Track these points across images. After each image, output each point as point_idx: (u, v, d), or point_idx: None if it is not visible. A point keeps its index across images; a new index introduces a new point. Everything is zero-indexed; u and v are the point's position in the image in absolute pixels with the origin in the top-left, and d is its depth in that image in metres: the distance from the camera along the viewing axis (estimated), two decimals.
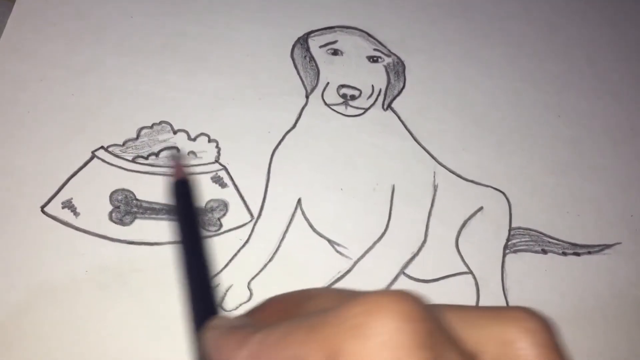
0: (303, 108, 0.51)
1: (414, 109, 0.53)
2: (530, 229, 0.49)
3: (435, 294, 0.45)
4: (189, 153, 0.48)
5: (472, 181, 0.51)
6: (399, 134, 0.52)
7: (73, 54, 0.51)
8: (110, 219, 0.45)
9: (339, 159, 0.50)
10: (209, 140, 0.49)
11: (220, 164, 0.48)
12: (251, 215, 0.47)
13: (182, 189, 0.23)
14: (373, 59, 0.54)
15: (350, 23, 0.56)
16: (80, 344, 0.41)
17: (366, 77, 0.54)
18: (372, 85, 0.53)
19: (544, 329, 0.16)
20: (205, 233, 0.22)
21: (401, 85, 0.54)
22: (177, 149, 0.48)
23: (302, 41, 0.54)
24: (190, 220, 0.22)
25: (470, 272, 0.47)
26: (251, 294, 0.44)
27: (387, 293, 0.14)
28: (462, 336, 0.16)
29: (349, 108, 0.52)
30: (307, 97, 0.52)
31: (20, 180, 0.45)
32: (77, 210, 0.44)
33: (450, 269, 0.47)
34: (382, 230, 0.48)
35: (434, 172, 0.51)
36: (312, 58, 0.54)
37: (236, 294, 0.44)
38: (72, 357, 0.40)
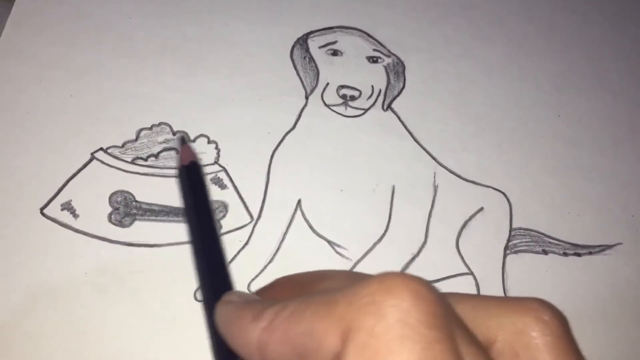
0: (303, 109, 0.51)
1: (414, 109, 0.53)
2: (530, 230, 0.49)
3: None
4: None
5: (472, 182, 0.51)
6: (399, 135, 0.52)
7: (72, 56, 0.51)
8: (110, 220, 0.45)
9: (339, 159, 0.50)
10: (209, 142, 0.49)
11: (220, 165, 0.48)
12: (251, 216, 0.46)
13: (192, 172, 0.23)
14: (373, 60, 0.54)
15: (349, 23, 0.56)
16: (80, 346, 0.40)
17: (366, 77, 0.53)
18: (372, 86, 0.53)
19: (557, 319, 0.16)
20: (214, 215, 0.22)
21: (401, 85, 0.54)
22: (175, 149, 0.48)
23: (302, 42, 0.54)
24: (199, 202, 0.23)
25: (471, 273, 0.47)
26: None
27: (400, 274, 0.15)
28: (475, 324, 0.16)
29: (348, 109, 0.52)
30: (306, 97, 0.52)
31: (19, 182, 0.45)
32: (77, 212, 0.44)
33: (450, 270, 0.47)
34: (382, 231, 0.48)
35: (434, 172, 0.51)
36: (311, 58, 0.54)
37: None
38: (72, 358, 0.40)
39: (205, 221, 0.22)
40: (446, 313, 0.14)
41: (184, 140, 0.25)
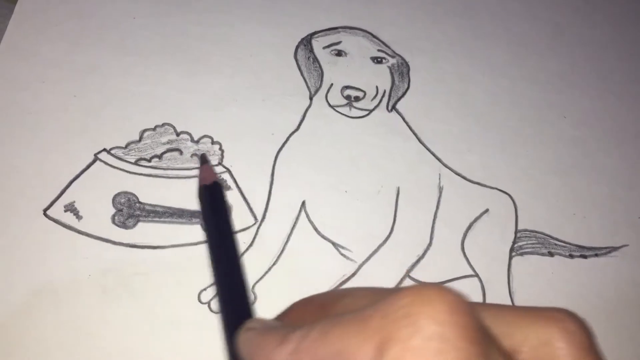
0: (307, 109, 0.51)
1: (419, 110, 0.53)
2: (536, 231, 0.49)
3: None
4: (192, 155, 0.47)
5: (477, 183, 0.50)
6: (403, 136, 0.51)
7: (75, 55, 0.50)
8: (113, 222, 0.44)
9: (343, 160, 0.50)
10: (212, 142, 0.48)
11: (224, 166, 0.48)
12: (255, 218, 0.46)
13: (212, 192, 0.23)
14: (377, 60, 0.54)
15: (354, 24, 0.56)
16: (83, 347, 0.40)
17: (370, 78, 0.53)
18: (377, 87, 0.53)
19: (583, 330, 0.16)
20: (235, 237, 0.22)
21: (405, 86, 0.54)
22: (179, 150, 0.47)
23: (306, 42, 0.54)
24: (221, 223, 0.22)
25: (476, 275, 0.47)
26: (255, 298, 0.43)
27: (435, 286, 0.14)
28: (500, 334, 0.16)
29: (353, 109, 0.52)
30: (310, 98, 0.52)
31: (22, 183, 0.45)
32: (80, 214, 0.44)
33: (456, 272, 0.47)
34: (387, 232, 0.47)
35: (439, 173, 0.50)
36: (315, 59, 0.53)
37: None
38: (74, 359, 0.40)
39: (227, 245, 0.21)
40: (481, 326, 0.14)
41: (205, 159, 0.25)
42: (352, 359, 0.14)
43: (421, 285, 0.14)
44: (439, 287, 0.14)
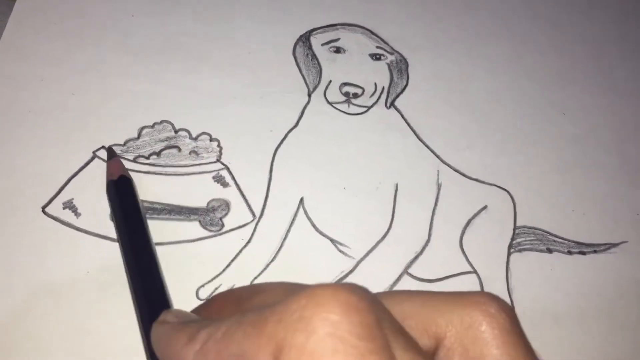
0: (305, 106, 0.51)
1: (418, 107, 0.53)
2: (535, 228, 0.49)
3: None
4: (190, 152, 0.48)
5: (476, 180, 0.50)
6: (402, 132, 0.51)
7: (74, 53, 0.50)
8: (112, 219, 0.44)
9: (342, 157, 0.50)
10: (211, 139, 0.48)
11: (222, 163, 0.48)
12: (253, 214, 0.46)
13: (122, 186, 0.23)
14: (376, 57, 0.54)
15: (352, 20, 0.56)
16: (82, 345, 0.40)
17: (369, 75, 0.53)
18: (375, 83, 0.53)
19: (505, 313, 0.16)
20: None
21: (404, 83, 0.54)
22: (177, 147, 0.48)
23: (304, 39, 0.54)
24: (132, 216, 0.22)
25: (475, 272, 0.47)
26: None
27: (330, 286, 0.14)
28: (424, 320, 0.16)
29: (351, 106, 0.52)
30: (309, 95, 0.52)
31: (20, 181, 0.45)
32: (78, 211, 0.44)
33: (454, 269, 0.47)
34: (385, 229, 0.47)
35: (438, 170, 0.50)
36: (314, 56, 0.53)
37: None
38: (73, 357, 0.40)
39: (137, 236, 0.21)
40: (379, 321, 0.14)
41: (113, 153, 0.24)
42: None
43: (315, 286, 0.15)
44: (333, 287, 0.14)
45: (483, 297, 0.16)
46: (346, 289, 0.14)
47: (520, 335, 0.16)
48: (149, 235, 0.22)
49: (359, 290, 0.15)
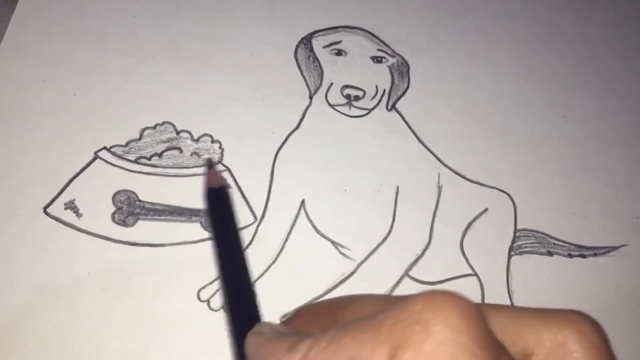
0: (307, 109, 0.51)
1: (418, 109, 0.53)
2: (535, 231, 0.49)
3: None
4: (192, 154, 0.48)
5: (476, 182, 0.50)
6: (403, 135, 0.52)
7: (75, 54, 0.50)
8: (113, 220, 0.44)
9: (343, 159, 0.50)
10: (212, 141, 0.49)
11: (224, 165, 0.48)
12: (254, 216, 0.46)
13: (218, 196, 0.23)
14: (377, 60, 0.54)
15: (354, 23, 0.56)
16: (83, 346, 0.40)
17: (370, 77, 0.53)
18: (376, 86, 0.53)
19: (598, 333, 0.16)
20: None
21: (405, 85, 0.54)
22: (179, 148, 0.48)
23: (306, 41, 0.54)
24: (227, 227, 0.22)
25: (475, 274, 0.47)
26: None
27: (447, 291, 0.14)
28: (513, 336, 0.16)
29: (352, 109, 0.52)
30: (310, 97, 0.52)
31: (22, 181, 0.45)
32: (80, 212, 0.44)
33: (455, 271, 0.47)
34: (386, 231, 0.47)
35: (439, 173, 0.50)
36: (315, 58, 0.53)
37: None
38: (75, 358, 0.40)
39: (234, 248, 0.21)
40: (490, 331, 0.14)
41: (212, 164, 0.25)
42: None
43: (432, 292, 0.15)
44: (450, 293, 0.14)
45: (575, 315, 0.16)
46: (462, 296, 0.14)
47: (611, 356, 0.16)
48: (243, 248, 0.22)
49: (471, 300, 0.14)
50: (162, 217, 0.45)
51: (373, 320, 0.15)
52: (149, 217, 0.45)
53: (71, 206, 0.44)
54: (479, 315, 0.14)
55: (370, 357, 0.14)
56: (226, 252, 0.22)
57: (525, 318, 0.16)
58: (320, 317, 0.19)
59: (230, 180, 0.47)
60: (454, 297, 0.14)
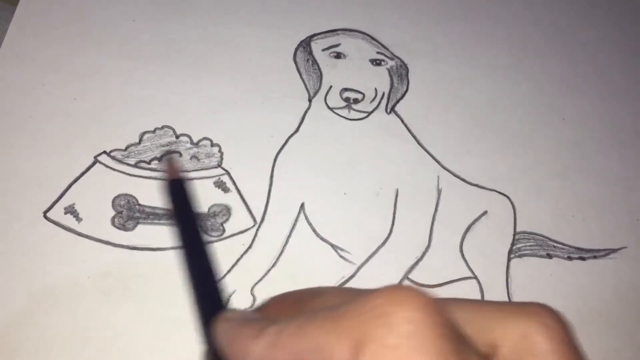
0: (306, 112, 0.51)
1: (418, 112, 0.53)
2: (535, 233, 0.49)
3: None
4: (191, 158, 0.48)
5: (476, 185, 0.51)
6: (402, 138, 0.52)
7: (75, 58, 0.51)
8: (113, 224, 0.44)
9: (342, 162, 0.50)
10: (212, 145, 0.49)
11: (223, 169, 0.48)
12: (254, 220, 0.46)
13: (178, 189, 0.23)
14: (376, 62, 0.54)
15: (353, 26, 0.56)
16: (83, 350, 0.40)
17: (369, 80, 0.53)
18: (375, 89, 0.53)
19: (560, 324, 0.16)
20: (204, 233, 0.22)
21: (404, 88, 0.54)
22: (179, 152, 0.48)
23: (305, 44, 0.54)
24: (188, 220, 0.23)
25: (475, 277, 0.47)
26: (255, 299, 0.44)
27: (409, 286, 0.15)
28: (479, 329, 0.16)
29: (352, 112, 0.52)
30: (310, 100, 0.52)
31: (22, 186, 0.45)
32: (80, 216, 0.44)
33: (454, 274, 0.47)
34: (386, 234, 0.47)
35: (438, 175, 0.50)
36: (314, 61, 0.53)
37: (240, 300, 0.43)
38: None
39: (195, 237, 0.22)
40: (454, 324, 0.14)
41: (169, 158, 0.25)
42: (328, 355, 0.14)
43: (394, 286, 0.15)
44: (411, 288, 0.15)
45: (539, 307, 0.16)
46: (423, 291, 0.15)
47: (577, 347, 0.16)
48: (203, 237, 0.22)
49: (433, 294, 0.15)
50: (161, 221, 0.45)
51: (337, 312, 0.15)
52: (149, 221, 0.45)
53: (71, 210, 0.44)
54: (441, 308, 0.14)
55: (333, 348, 0.14)
56: (189, 242, 0.22)
57: (490, 311, 0.17)
58: (289, 305, 0.19)
59: (229, 184, 0.47)
60: (415, 292, 0.14)
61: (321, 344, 0.15)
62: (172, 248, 0.44)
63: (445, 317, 0.14)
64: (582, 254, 0.49)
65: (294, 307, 0.18)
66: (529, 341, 0.16)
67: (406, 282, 0.46)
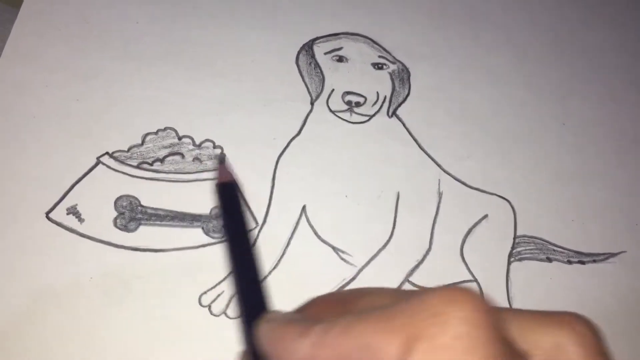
0: (308, 115, 0.51)
1: (419, 116, 0.53)
2: (535, 237, 0.49)
3: None
4: (193, 159, 0.48)
5: (476, 189, 0.51)
6: (403, 141, 0.52)
7: (78, 60, 0.51)
8: (115, 225, 0.45)
9: (344, 165, 0.50)
10: (214, 147, 0.49)
11: None
12: (256, 222, 0.46)
13: (228, 191, 0.24)
14: (378, 66, 0.54)
15: (355, 30, 0.56)
16: (84, 350, 0.40)
17: (371, 84, 0.54)
18: (377, 92, 0.53)
19: (594, 333, 0.16)
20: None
21: (406, 92, 0.54)
22: (181, 153, 0.48)
23: (307, 47, 0.54)
24: (236, 220, 0.23)
25: (475, 280, 0.47)
26: None
27: (462, 288, 0.15)
28: (514, 337, 0.16)
29: (353, 115, 0.52)
30: (312, 103, 0.52)
31: (24, 186, 0.45)
32: (82, 217, 0.44)
33: (455, 277, 0.47)
34: (387, 237, 0.48)
35: (439, 179, 0.51)
36: (317, 64, 0.54)
37: None
38: None
39: (243, 240, 0.22)
40: (502, 327, 0.15)
41: (223, 159, 0.25)
42: (377, 353, 0.14)
43: (449, 287, 0.15)
44: (467, 290, 0.15)
45: (572, 316, 0.16)
46: (475, 292, 0.15)
47: (608, 356, 0.16)
48: (251, 239, 0.22)
49: (486, 297, 0.15)
50: (164, 223, 0.45)
51: (389, 311, 0.15)
52: (151, 222, 0.45)
53: (73, 211, 0.44)
54: (493, 312, 0.14)
55: (384, 347, 0.14)
56: (236, 244, 0.22)
57: (525, 320, 0.17)
58: (333, 306, 0.19)
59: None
60: (470, 294, 0.14)
61: (370, 342, 0.15)
62: (173, 249, 0.44)
63: (498, 320, 0.14)
64: (582, 257, 0.49)
65: (338, 307, 0.18)
66: (562, 350, 0.16)
67: (407, 285, 0.46)
